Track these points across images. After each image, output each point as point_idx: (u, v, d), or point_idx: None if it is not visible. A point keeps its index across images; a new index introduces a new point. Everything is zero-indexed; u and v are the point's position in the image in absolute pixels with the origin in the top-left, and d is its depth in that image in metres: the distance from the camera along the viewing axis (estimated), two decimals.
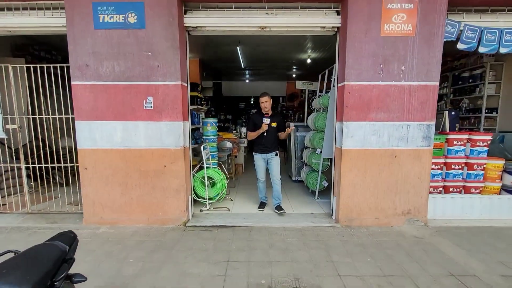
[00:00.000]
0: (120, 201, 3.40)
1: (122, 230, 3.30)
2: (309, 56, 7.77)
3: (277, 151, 4.06)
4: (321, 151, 4.33)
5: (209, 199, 3.98)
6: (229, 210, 3.94)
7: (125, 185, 3.37)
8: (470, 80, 5.71)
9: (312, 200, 4.48)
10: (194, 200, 3.95)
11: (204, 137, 4.46)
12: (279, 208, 3.84)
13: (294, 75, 10.81)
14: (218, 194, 4.00)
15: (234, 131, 7.00)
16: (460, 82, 5.93)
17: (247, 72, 10.52)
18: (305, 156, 4.98)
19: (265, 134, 3.82)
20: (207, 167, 3.96)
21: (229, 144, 5.31)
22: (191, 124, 4.91)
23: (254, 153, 4.03)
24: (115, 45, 3.18)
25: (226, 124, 10.42)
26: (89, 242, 3.00)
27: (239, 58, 7.87)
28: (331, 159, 4.47)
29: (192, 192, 3.87)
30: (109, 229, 3.33)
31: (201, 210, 3.88)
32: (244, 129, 6.70)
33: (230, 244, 2.96)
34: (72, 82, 3.22)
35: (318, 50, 7.19)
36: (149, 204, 3.42)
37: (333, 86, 4.30)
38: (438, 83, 3.28)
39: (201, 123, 4.70)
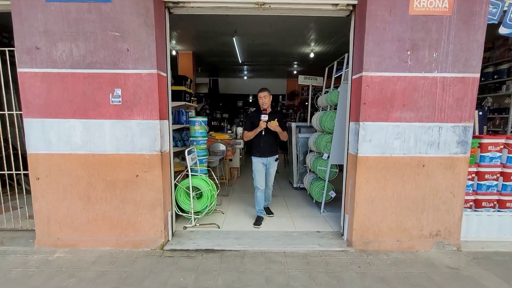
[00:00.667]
0: (82, 218, 2.74)
1: (83, 255, 2.64)
2: (312, 50, 7.11)
3: (277, 157, 3.58)
4: (328, 157, 3.68)
5: (195, 213, 3.32)
6: (219, 228, 3.28)
7: (87, 198, 2.71)
8: (495, 76, 5.07)
9: (317, 213, 3.83)
10: (177, 215, 3.29)
11: (191, 138, 3.80)
12: (268, 210, 3.75)
13: (295, 72, 10.15)
14: (206, 207, 3.34)
15: (229, 131, 6.34)
16: (482, 79, 5.29)
17: (245, 68, 9.86)
18: (309, 161, 4.33)
19: (263, 133, 3.31)
20: (193, 176, 3.30)
21: (222, 147, 4.65)
22: (178, 123, 4.26)
23: (252, 156, 3.49)
24: (73, 22, 2.51)
25: (222, 124, 9.75)
26: (34, 274, 2.33)
27: (235, 51, 7.21)
28: (340, 165, 3.83)
29: (175, 205, 3.21)
30: (67, 253, 2.67)
31: (185, 227, 3.23)
32: (240, 129, 6.05)
33: (216, 278, 2.31)
34: (19, 69, 2.55)
35: (323, 42, 6.53)
36: (118, 222, 2.76)
37: (343, 80, 3.65)
38: (478, 75, 2.63)
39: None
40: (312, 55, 7.31)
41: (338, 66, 4.66)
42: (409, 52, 2.57)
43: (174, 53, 7.17)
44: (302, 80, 5.19)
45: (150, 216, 2.76)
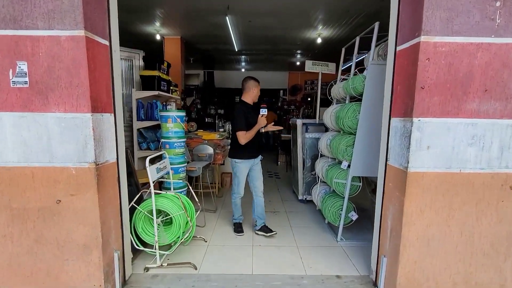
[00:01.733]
0: None
1: None
2: (319, 35, 6.09)
3: (261, 157, 3.01)
4: (349, 166, 2.70)
5: (162, 247, 2.34)
6: (196, 269, 2.30)
7: None
8: None
9: (332, 240, 2.86)
10: (136, 250, 2.31)
11: (163, 140, 2.79)
12: (267, 229, 2.90)
13: (298, 63, 9.13)
14: (179, 237, 2.36)
15: (220, 129, 5.34)
16: None
17: (242, 58, 8.84)
18: (320, 169, 3.34)
19: (262, 131, 2.83)
20: (159, 195, 2.32)
21: (209, 150, 3.66)
22: (150, 120, 3.27)
23: (238, 160, 2.81)
24: None
25: (217, 121, 8.74)
26: None
27: (230, 36, 6.18)
28: (365, 177, 2.86)
29: (133, 235, 2.23)
30: None
31: (147, 269, 2.25)
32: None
33: None
34: None
35: (333, 24, 5.52)
36: (32, 273, 1.78)
37: (371, 61, 2.65)
38: None
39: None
40: (319, 40, 6.29)
41: (346, 56, 3.70)
42: (498, 3, 1.57)
43: (158, 37, 6.16)
44: (310, 66, 4.19)
45: (81, 262, 1.77)
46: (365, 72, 2.62)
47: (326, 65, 4.20)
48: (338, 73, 3.58)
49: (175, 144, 2.77)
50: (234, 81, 11.21)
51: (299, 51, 7.90)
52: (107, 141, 1.82)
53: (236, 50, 7.52)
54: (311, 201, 4.00)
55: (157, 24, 5.65)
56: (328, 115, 3.23)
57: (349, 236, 2.84)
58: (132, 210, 2.21)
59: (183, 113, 2.84)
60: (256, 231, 2.95)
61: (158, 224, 2.26)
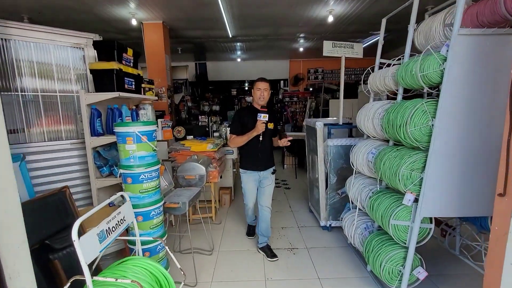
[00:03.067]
0: None
1: None
2: (330, 12, 5.00)
3: (274, 168, 2.67)
4: (416, 200, 1.72)
5: None
6: None
7: None
8: None
9: None
10: None
11: (122, 172, 1.77)
12: (269, 251, 2.58)
13: (301, 49, 8.03)
14: None
15: (215, 135, 4.32)
16: None
17: (237, 46, 7.73)
18: (357, 193, 2.36)
19: (260, 139, 2.42)
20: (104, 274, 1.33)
21: (199, 169, 2.65)
22: (112, 134, 2.25)
23: (242, 170, 2.63)
24: None
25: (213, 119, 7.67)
26: None
27: (222, 18, 5.10)
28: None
29: None
30: None
31: None
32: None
33: None
34: None
35: None
36: None
37: (457, 28, 1.64)
38: None
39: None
40: (330, 19, 5.20)
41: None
42: None
43: (135, 22, 5.06)
44: (329, 49, 3.15)
45: None
46: (442, 51, 1.60)
47: (351, 46, 3.16)
48: (377, 56, 2.55)
49: (142, 177, 1.77)
50: (230, 73, 10.14)
51: (302, 35, 6.80)
52: None
53: (230, 36, 6.42)
54: (338, 228, 3.05)
55: (132, 5, 4.55)
56: (368, 117, 2.22)
57: None
58: None
59: (152, 127, 1.81)
60: (258, 249, 2.68)
61: None
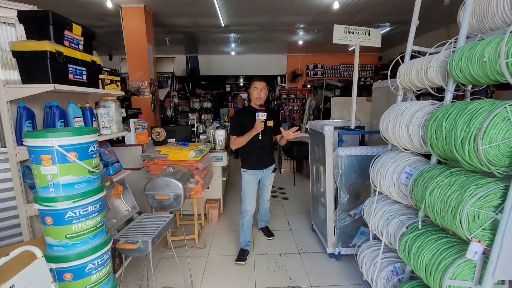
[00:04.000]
0: None
1: None
2: None
3: (275, 166, 2.66)
4: (485, 252, 1.12)
5: None
6: None
7: None
8: None
9: None
10: None
11: (39, 208, 1.14)
12: (267, 231, 2.96)
13: (300, 42, 7.41)
14: None
15: (202, 136, 3.69)
16: None
17: (231, 37, 7.07)
18: (380, 223, 1.78)
19: (260, 137, 2.38)
20: None
21: (175, 187, 2.03)
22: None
23: (244, 169, 2.55)
24: None
25: (203, 118, 7.01)
26: None
27: (213, 1, 4.45)
28: None
29: None
30: None
31: None
32: (221, 133, 3.41)
33: None
34: None
35: None
36: None
37: None
38: None
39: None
40: (336, 5, 4.59)
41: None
42: None
43: (110, 5, 4.38)
44: (340, 35, 2.54)
45: None
46: None
47: (367, 32, 2.55)
48: (408, 42, 1.95)
49: (70, 215, 1.15)
50: (223, 68, 9.48)
51: (302, 26, 6.18)
52: None
53: (223, 25, 5.78)
54: (348, 256, 2.47)
55: None
56: (400, 124, 1.63)
57: None
58: None
59: (89, 137, 1.19)
60: (258, 229, 3.05)
61: None
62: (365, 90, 10.21)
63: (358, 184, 2.34)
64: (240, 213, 2.63)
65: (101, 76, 2.11)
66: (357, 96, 2.63)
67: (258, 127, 2.31)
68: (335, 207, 2.43)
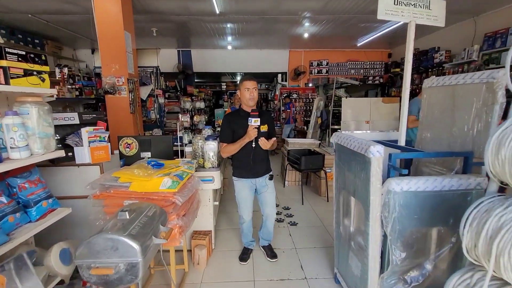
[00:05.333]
0: None
1: None
2: None
3: (271, 173, 2.43)
4: None
5: None
6: None
7: None
8: None
9: None
10: None
11: None
12: (269, 251, 2.56)
13: (306, 35, 6.57)
14: None
15: (188, 149, 2.84)
16: None
17: (228, 28, 6.22)
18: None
19: (253, 145, 2.20)
20: None
21: (127, 250, 1.21)
22: None
23: (235, 177, 2.40)
24: None
25: (195, 121, 6.15)
26: None
27: None
28: None
29: None
30: None
31: None
32: (211, 146, 2.55)
33: None
34: None
35: None
36: None
37: None
38: None
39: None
40: None
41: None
42: None
43: None
44: (389, 7, 1.71)
45: None
46: None
47: (426, 5, 1.73)
48: None
49: None
50: (219, 64, 8.62)
51: (308, 15, 5.36)
52: None
53: (218, 13, 4.92)
54: None
55: None
56: None
57: None
58: None
59: None
60: (260, 246, 2.64)
61: None
62: (372, 90, 9.46)
63: (420, 234, 1.52)
64: (239, 218, 2.51)
65: (4, 63, 1.26)
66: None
67: (252, 135, 2.12)
68: (381, 266, 1.61)
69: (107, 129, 2.34)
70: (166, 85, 7.31)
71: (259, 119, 2.09)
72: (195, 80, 9.44)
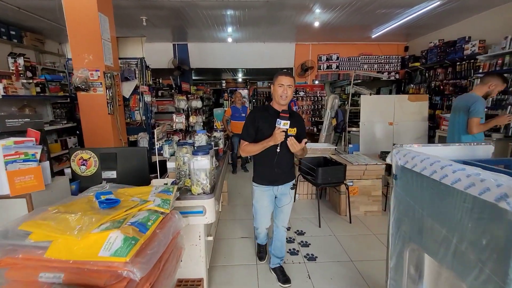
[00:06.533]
0: None
1: None
2: None
3: (294, 183, 2.19)
4: None
5: None
6: None
7: None
8: None
9: None
10: None
11: None
12: (281, 275, 2.22)
13: (316, 24, 5.77)
14: None
15: (171, 164, 2.08)
16: None
17: (228, 16, 5.45)
18: None
19: (278, 150, 1.91)
20: None
21: None
22: None
23: (255, 184, 2.15)
24: None
25: (191, 122, 5.38)
26: None
27: None
28: None
29: None
30: None
31: None
32: (202, 163, 1.81)
33: None
34: None
35: None
36: None
37: None
38: None
39: None
40: None
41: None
42: None
43: None
44: None
45: None
46: None
47: None
48: None
49: None
50: (218, 59, 7.86)
51: (319, 1, 4.58)
52: None
53: None
54: None
55: None
56: None
57: None
58: None
59: None
60: (270, 269, 2.34)
61: None
62: (385, 87, 8.67)
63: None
64: (254, 229, 2.39)
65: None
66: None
67: (278, 138, 1.85)
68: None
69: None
70: (158, 81, 6.55)
71: (289, 122, 1.80)
72: (193, 78, 8.69)
